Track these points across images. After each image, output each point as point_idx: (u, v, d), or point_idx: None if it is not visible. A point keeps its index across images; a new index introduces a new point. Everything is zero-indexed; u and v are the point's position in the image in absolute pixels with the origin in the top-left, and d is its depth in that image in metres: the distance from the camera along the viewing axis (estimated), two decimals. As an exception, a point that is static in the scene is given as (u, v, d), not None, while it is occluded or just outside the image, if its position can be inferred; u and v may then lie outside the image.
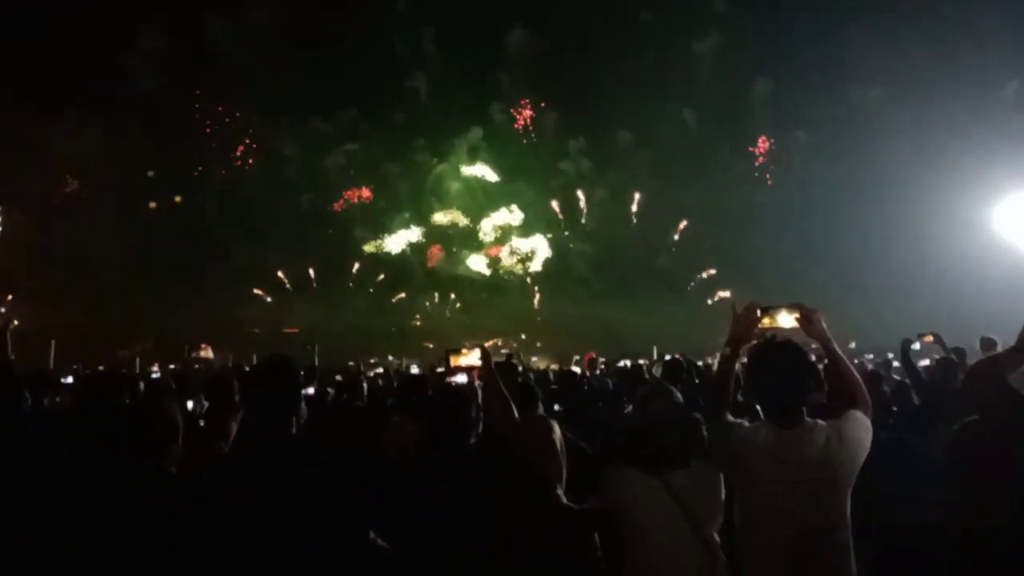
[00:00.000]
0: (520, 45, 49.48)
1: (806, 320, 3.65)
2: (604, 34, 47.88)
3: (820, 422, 3.50)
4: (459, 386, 4.40)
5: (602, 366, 13.51)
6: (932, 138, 42.27)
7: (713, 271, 47.61)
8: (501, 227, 50.64)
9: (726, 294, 43.60)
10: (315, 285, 49.43)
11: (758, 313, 3.67)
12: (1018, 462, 3.32)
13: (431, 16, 48.58)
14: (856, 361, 17.58)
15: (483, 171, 51.16)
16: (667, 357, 13.74)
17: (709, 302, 45.64)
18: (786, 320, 3.67)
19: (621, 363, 13.93)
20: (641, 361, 14.55)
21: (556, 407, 7.79)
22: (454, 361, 5.10)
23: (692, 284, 48.34)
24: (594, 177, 51.09)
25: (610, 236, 49.92)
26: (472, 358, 5.00)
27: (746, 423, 3.55)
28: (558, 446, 4.72)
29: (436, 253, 50.47)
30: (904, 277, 39.20)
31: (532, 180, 50.79)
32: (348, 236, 50.19)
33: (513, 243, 50.40)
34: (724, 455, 3.59)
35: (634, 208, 50.64)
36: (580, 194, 51.40)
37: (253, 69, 44.40)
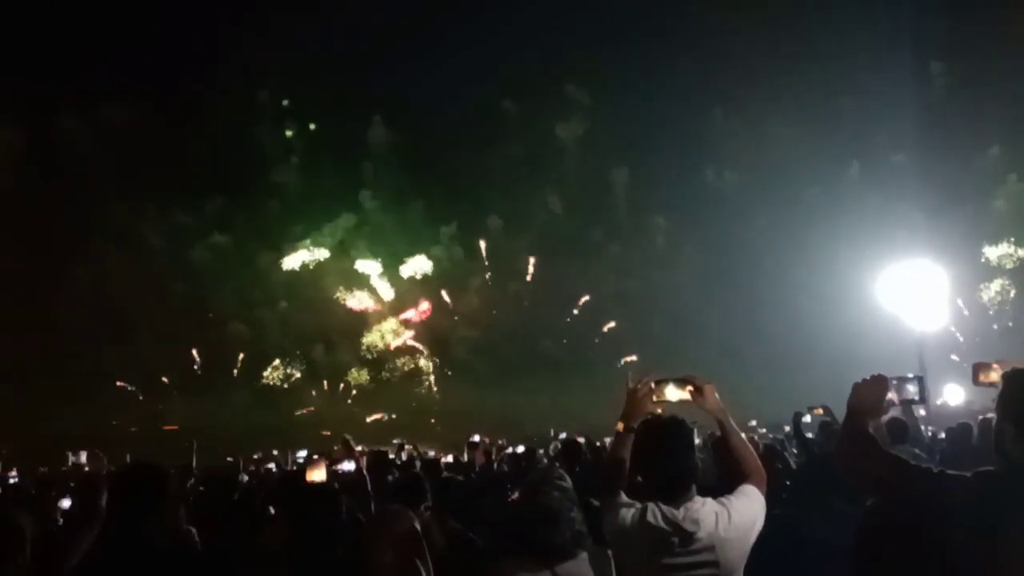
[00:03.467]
0: (384, 135, 50.40)
1: (698, 393, 3.64)
2: (470, 122, 49.06)
3: (709, 500, 3.45)
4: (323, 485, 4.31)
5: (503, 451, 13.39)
6: (792, 216, 44.90)
7: (634, 357, 48.17)
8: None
9: (632, 358, 44.35)
10: (199, 374, 47.92)
11: (652, 386, 3.66)
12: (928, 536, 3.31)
13: (297, 107, 49.37)
14: (753, 436, 17.95)
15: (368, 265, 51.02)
16: (562, 436, 13.71)
17: (620, 363, 46.38)
18: (674, 394, 3.67)
19: (510, 449, 13.82)
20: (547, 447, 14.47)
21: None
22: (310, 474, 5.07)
23: (616, 368, 48.98)
24: (468, 263, 51.71)
25: (499, 320, 50.34)
26: (319, 474, 5.01)
27: (636, 504, 3.45)
28: (419, 539, 4.57)
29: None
30: (789, 350, 40.84)
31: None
32: (226, 328, 49.07)
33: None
34: (615, 538, 3.50)
35: (529, 278, 51.29)
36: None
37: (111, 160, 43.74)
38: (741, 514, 3.42)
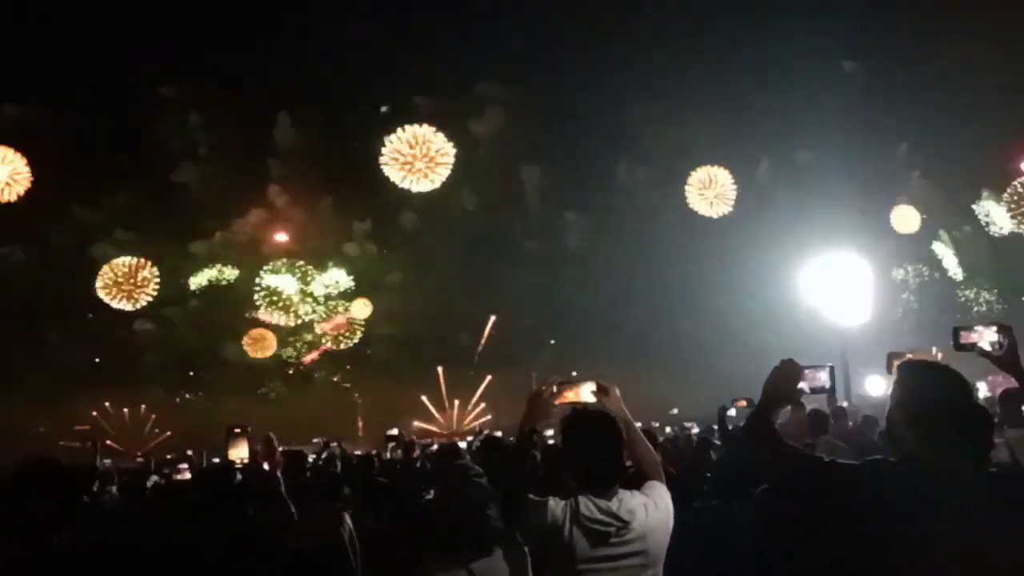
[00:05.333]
0: (292, 132, 49.89)
1: (603, 394, 3.70)
2: (382, 118, 48.95)
3: (636, 492, 3.53)
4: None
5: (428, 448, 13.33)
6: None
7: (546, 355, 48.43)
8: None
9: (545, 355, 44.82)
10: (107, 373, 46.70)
11: (555, 389, 3.69)
12: (816, 524, 3.39)
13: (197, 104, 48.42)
14: (670, 432, 18.33)
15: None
16: (486, 433, 13.74)
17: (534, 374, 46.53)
18: (577, 396, 3.72)
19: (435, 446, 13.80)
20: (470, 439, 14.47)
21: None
22: (233, 451, 4.88)
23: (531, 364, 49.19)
24: (384, 260, 51.42)
25: (418, 316, 50.18)
26: (242, 451, 4.84)
27: (556, 499, 3.48)
28: (345, 536, 4.54)
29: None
30: (712, 344, 41.65)
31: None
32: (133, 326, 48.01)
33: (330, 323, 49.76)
34: (535, 533, 3.50)
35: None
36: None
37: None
38: (661, 505, 3.52)
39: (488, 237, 49.81)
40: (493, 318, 50.49)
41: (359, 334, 50.42)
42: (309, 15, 48.02)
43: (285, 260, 49.90)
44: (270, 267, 49.41)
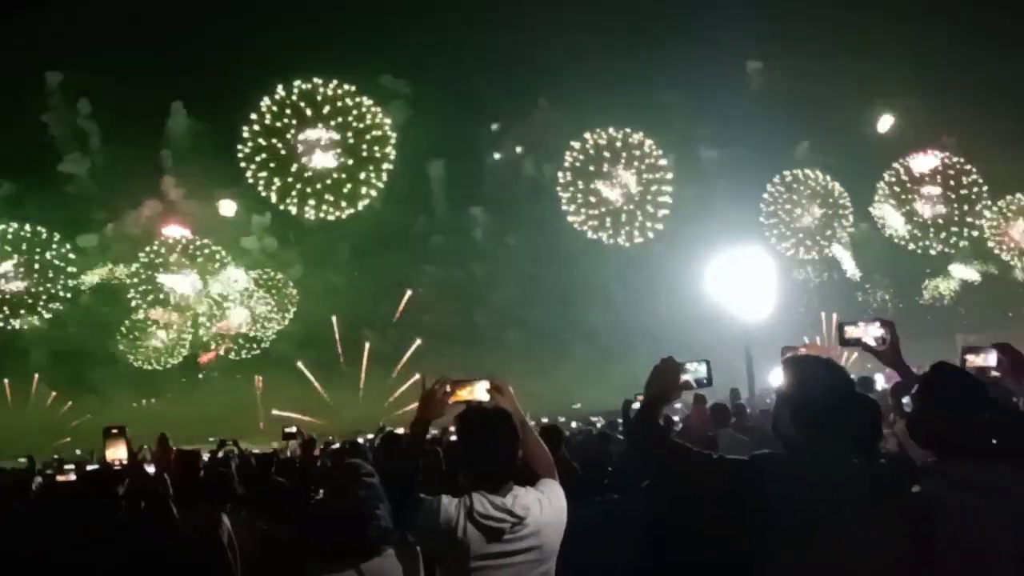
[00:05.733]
0: (186, 122, 48.71)
1: (497, 392, 3.72)
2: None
3: (529, 488, 3.55)
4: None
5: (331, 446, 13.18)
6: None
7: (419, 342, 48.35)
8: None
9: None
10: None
11: (448, 388, 3.68)
12: (701, 518, 3.46)
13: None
14: (576, 427, 18.56)
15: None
16: (388, 430, 13.65)
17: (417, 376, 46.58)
18: (471, 394, 3.73)
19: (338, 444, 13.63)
20: (370, 435, 14.34)
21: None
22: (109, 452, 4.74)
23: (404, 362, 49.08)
24: (284, 255, 50.64)
25: (320, 313, 49.59)
26: (119, 451, 4.71)
27: (450, 497, 3.47)
28: (224, 539, 4.45)
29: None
30: (616, 339, 42.31)
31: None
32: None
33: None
34: (427, 533, 3.48)
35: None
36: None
37: None
38: (555, 501, 3.55)
39: (393, 232, 49.44)
40: (409, 292, 50.21)
41: (260, 334, 49.49)
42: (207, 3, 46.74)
43: (177, 256, 48.52)
44: (161, 260, 48.05)
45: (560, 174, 48.98)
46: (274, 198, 47.20)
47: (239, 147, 46.28)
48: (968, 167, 50.39)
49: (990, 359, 3.69)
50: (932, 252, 50.50)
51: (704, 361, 3.32)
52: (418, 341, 47.90)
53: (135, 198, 48.17)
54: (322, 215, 48.07)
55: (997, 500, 2.96)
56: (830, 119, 46.63)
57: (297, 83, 47.40)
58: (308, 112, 47.95)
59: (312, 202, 47.84)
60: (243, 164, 46.37)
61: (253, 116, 46.89)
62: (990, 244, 50.91)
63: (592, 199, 48.75)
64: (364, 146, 48.69)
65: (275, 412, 41.28)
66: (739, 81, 48.26)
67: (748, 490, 2.81)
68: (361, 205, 48.17)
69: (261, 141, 47.28)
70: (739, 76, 48.63)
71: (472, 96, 47.75)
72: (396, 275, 49.80)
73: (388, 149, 48.49)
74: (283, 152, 47.61)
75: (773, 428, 3.05)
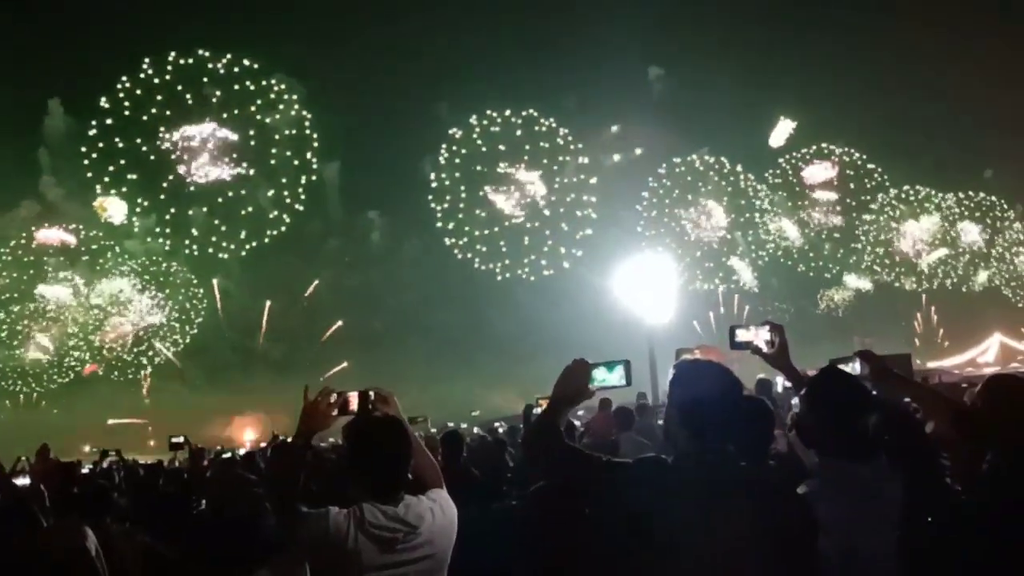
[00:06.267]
0: (63, 121, 47.10)
1: (383, 403, 3.72)
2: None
3: (421, 497, 3.53)
4: None
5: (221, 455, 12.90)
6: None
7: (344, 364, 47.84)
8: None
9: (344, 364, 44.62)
10: None
11: (332, 399, 3.67)
12: (588, 522, 3.49)
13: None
14: (476, 431, 18.58)
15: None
16: (280, 439, 13.42)
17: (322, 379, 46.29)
18: (356, 405, 3.72)
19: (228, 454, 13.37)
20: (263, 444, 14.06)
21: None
22: None
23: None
24: (171, 256, 49.38)
25: (208, 319, 48.61)
26: None
27: (338, 508, 3.40)
28: (91, 553, 4.32)
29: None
30: (517, 343, 42.61)
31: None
32: None
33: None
34: (321, 544, 3.38)
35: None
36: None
37: None
38: (447, 509, 3.56)
39: (286, 235, 48.60)
40: (268, 303, 49.38)
41: (147, 344, 48.10)
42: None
43: (56, 263, 46.69)
44: (40, 268, 46.22)
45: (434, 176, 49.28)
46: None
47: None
48: (868, 167, 52.71)
49: (856, 367, 3.83)
50: (825, 263, 52.66)
51: (623, 362, 3.31)
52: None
53: (11, 200, 46.16)
54: (211, 250, 47.15)
55: (869, 500, 3.12)
56: (729, 127, 47.94)
57: (172, 56, 45.48)
58: (188, 97, 46.66)
59: (194, 232, 46.99)
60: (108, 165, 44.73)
61: (104, 103, 44.86)
62: (877, 255, 53.24)
63: (480, 213, 49.26)
64: (274, 149, 47.77)
65: (111, 421, 40.37)
66: (640, 87, 49.01)
67: (636, 494, 2.84)
68: (270, 235, 47.38)
69: (116, 140, 45.81)
70: (640, 82, 49.39)
71: (369, 99, 47.36)
72: (291, 279, 49.14)
73: (308, 155, 47.81)
74: (150, 154, 46.26)
75: (664, 432, 3.10)
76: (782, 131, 51.11)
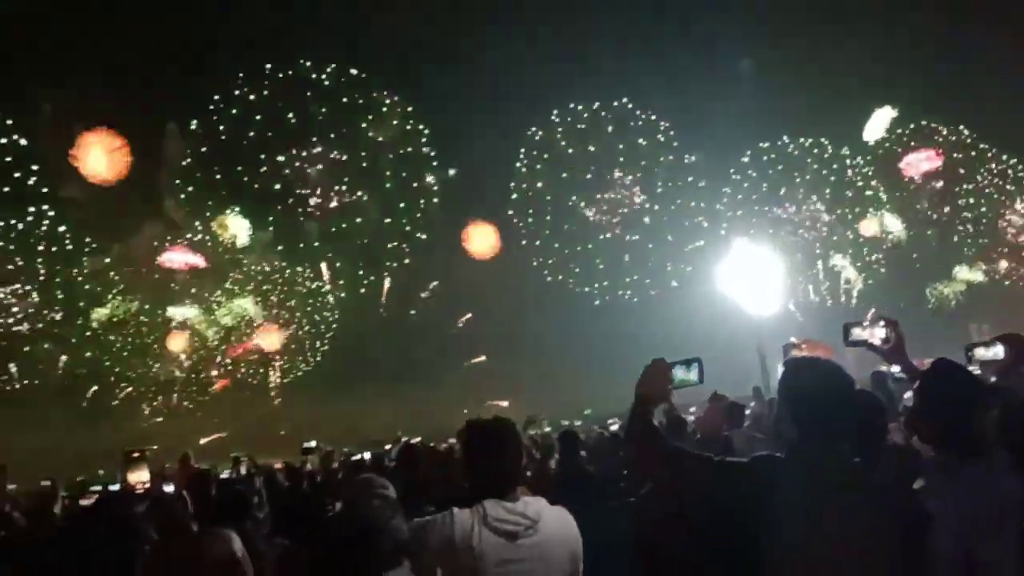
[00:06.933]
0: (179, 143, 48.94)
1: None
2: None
3: (539, 497, 3.56)
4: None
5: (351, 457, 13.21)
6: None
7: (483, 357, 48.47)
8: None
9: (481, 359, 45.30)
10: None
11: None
12: (690, 525, 3.47)
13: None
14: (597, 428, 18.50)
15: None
16: (404, 441, 13.66)
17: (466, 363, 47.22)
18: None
19: (357, 456, 13.64)
20: (388, 446, 14.34)
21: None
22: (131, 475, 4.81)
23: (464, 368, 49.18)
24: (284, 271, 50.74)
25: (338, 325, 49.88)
26: (141, 474, 4.76)
27: (460, 509, 3.44)
28: (239, 558, 4.48)
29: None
30: (624, 342, 42.32)
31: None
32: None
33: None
34: (443, 548, 3.39)
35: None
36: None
37: None
38: (563, 513, 3.57)
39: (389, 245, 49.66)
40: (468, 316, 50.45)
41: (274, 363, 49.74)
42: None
43: (182, 284, 48.64)
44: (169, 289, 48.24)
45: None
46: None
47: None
48: (979, 148, 50.18)
49: (998, 351, 3.67)
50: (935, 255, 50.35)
51: (695, 360, 3.29)
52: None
53: (137, 222, 48.29)
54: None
55: (984, 497, 2.97)
56: (824, 119, 46.53)
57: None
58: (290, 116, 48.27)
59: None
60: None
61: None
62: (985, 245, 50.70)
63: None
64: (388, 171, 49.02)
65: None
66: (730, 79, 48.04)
67: (745, 493, 2.83)
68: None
69: (229, 160, 47.57)
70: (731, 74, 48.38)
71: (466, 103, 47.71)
72: (408, 285, 50.05)
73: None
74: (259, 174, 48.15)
75: (775, 430, 3.07)
76: (879, 121, 49.18)
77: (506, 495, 3.47)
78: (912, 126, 50.24)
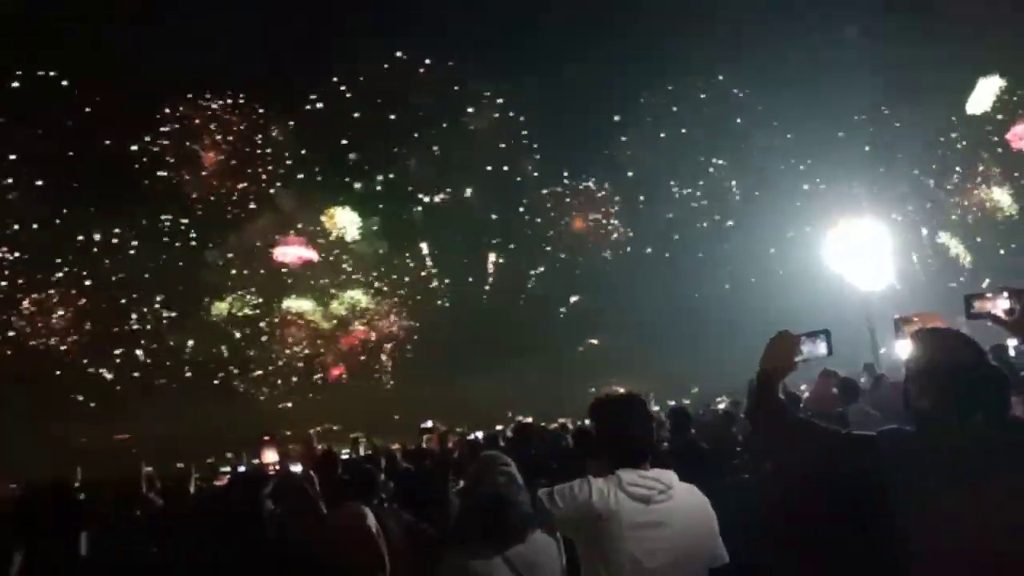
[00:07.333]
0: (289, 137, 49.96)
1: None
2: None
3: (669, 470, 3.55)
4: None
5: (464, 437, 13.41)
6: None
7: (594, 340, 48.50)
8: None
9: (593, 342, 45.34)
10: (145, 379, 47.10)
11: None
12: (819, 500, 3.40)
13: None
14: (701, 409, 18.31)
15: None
16: (520, 420, 13.78)
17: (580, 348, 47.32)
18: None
19: (473, 436, 13.83)
20: (499, 427, 14.50)
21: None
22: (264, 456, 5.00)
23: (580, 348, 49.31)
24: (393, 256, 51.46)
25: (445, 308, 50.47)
26: (271, 455, 4.94)
27: (590, 477, 3.47)
28: (369, 532, 4.60)
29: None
30: (730, 317, 41.60)
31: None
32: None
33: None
34: (579, 513, 3.42)
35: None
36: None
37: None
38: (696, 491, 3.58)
39: (494, 227, 49.98)
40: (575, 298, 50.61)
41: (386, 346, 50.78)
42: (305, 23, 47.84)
43: (296, 278, 49.93)
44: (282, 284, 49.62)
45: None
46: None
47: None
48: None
49: (999, 304, 3.42)
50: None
51: (823, 332, 3.22)
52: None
53: (252, 215, 49.80)
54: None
55: None
56: (926, 90, 44.55)
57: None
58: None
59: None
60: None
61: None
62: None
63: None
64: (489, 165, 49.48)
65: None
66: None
67: (882, 466, 2.77)
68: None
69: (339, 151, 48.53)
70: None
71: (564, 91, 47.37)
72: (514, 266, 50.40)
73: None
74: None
75: (904, 403, 2.99)
76: (985, 92, 46.80)
77: (639, 465, 3.49)
78: (1019, 95, 47.85)
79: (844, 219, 25.75)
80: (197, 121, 49.54)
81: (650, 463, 3.53)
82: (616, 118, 50.37)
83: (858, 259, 24.04)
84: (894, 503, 2.72)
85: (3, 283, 46.46)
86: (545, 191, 52.18)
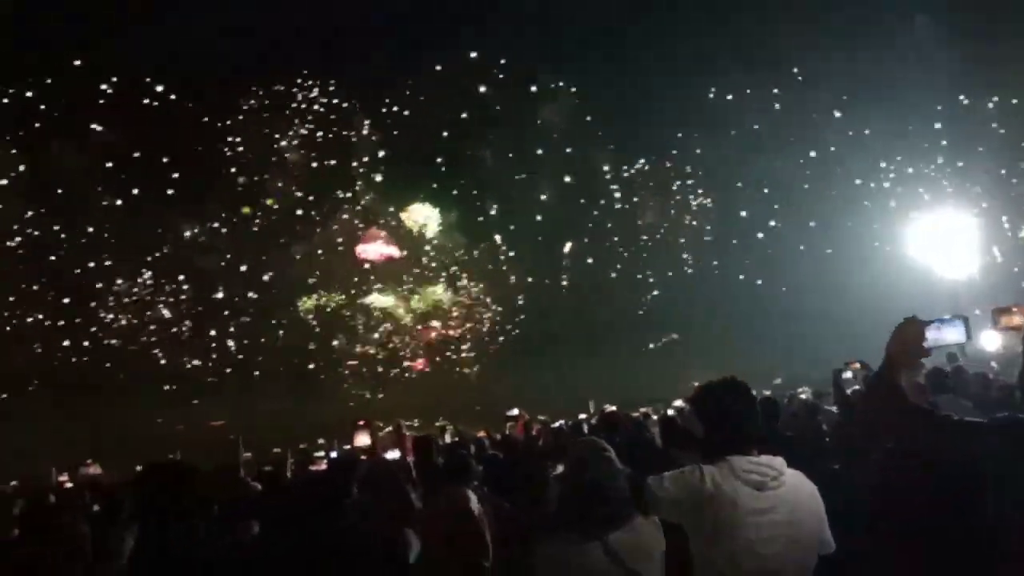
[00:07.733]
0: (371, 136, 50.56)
1: None
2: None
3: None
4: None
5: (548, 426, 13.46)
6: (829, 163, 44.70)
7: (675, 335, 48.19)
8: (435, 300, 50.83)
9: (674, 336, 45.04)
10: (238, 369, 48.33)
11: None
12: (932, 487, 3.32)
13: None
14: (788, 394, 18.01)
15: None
16: (606, 408, 13.77)
17: (651, 345, 47.01)
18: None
19: (557, 424, 13.89)
20: (582, 415, 14.50)
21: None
22: (357, 440, 5.11)
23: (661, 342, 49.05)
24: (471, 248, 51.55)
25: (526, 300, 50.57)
26: (363, 439, 5.04)
27: (701, 464, 3.45)
28: (476, 515, 4.65)
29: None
30: (815, 306, 40.67)
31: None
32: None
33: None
34: (690, 500, 3.41)
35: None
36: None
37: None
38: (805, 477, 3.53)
39: (569, 222, 49.91)
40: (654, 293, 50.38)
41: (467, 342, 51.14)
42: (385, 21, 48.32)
43: (378, 274, 50.54)
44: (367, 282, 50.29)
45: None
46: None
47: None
48: None
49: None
50: None
51: (961, 318, 3.13)
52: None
53: (333, 212, 50.56)
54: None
55: None
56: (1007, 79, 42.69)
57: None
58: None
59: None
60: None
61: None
62: None
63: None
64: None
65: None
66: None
67: (1002, 452, 2.70)
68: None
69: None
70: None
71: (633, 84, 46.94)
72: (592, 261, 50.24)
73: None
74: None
75: (1021, 391, 2.92)
76: None
77: (746, 452, 3.45)
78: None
79: (930, 211, 25.12)
80: (282, 121, 50.70)
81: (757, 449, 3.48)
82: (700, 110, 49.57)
83: (945, 250, 23.42)
84: (1007, 491, 2.66)
85: (99, 284, 47.98)
86: (618, 185, 51.97)
